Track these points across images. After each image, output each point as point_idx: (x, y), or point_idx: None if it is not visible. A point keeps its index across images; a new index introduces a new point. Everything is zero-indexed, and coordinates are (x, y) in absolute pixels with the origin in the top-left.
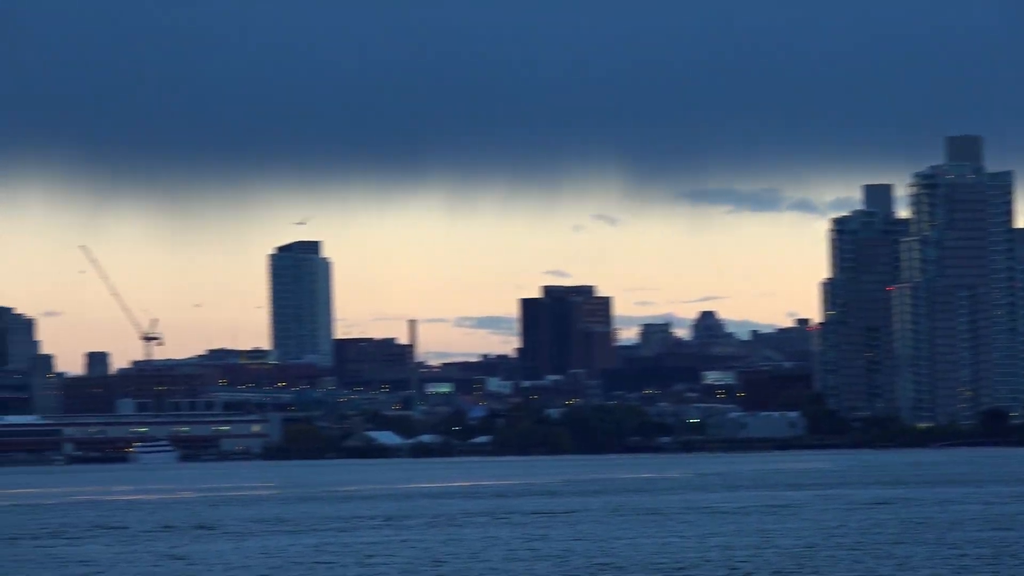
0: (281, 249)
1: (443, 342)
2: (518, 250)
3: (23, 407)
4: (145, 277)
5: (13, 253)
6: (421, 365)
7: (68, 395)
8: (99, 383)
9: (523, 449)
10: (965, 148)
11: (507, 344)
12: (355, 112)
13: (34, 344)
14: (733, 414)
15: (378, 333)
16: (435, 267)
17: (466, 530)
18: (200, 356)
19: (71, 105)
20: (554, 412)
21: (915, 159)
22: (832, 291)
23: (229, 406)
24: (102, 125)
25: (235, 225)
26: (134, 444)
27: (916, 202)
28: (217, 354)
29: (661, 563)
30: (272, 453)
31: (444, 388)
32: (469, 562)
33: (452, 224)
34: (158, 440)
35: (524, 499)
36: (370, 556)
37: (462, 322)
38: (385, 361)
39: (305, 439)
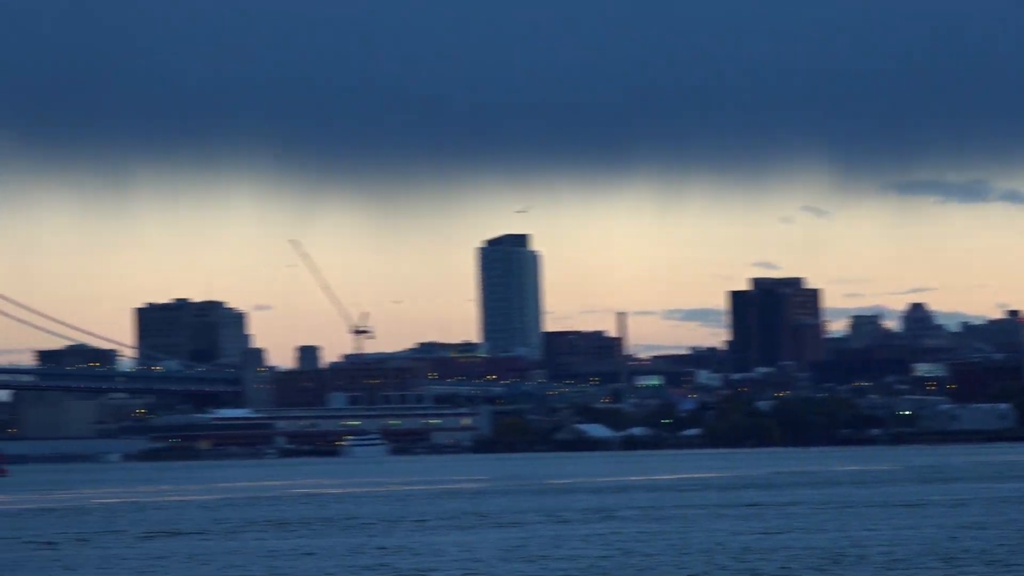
0: (491, 242)
1: (652, 335)
2: (726, 242)
3: (236, 401)
4: (355, 270)
5: (224, 248)
6: (630, 358)
7: (280, 389)
8: (310, 377)
9: (733, 442)
10: None
11: (716, 336)
12: (560, 105)
13: (246, 338)
14: (944, 406)
15: (587, 326)
16: (643, 260)
17: (676, 523)
18: (410, 349)
19: (280, 100)
20: (764, 404)
21: None
22: None
23: (439, 399)
24: (311, 119)
25: (444, 218)
26: (345, 437)
27: None
28: (427, 347)
29: (872, 555)
30: (482, 446)
31: (654, 381)
32: (679, 556)
33: (660, 216)
34: (369, 433)
35: (735, 491)
36: (580, 547)
37: (671, 315)
38: (594, 354)
39: (515, 432)
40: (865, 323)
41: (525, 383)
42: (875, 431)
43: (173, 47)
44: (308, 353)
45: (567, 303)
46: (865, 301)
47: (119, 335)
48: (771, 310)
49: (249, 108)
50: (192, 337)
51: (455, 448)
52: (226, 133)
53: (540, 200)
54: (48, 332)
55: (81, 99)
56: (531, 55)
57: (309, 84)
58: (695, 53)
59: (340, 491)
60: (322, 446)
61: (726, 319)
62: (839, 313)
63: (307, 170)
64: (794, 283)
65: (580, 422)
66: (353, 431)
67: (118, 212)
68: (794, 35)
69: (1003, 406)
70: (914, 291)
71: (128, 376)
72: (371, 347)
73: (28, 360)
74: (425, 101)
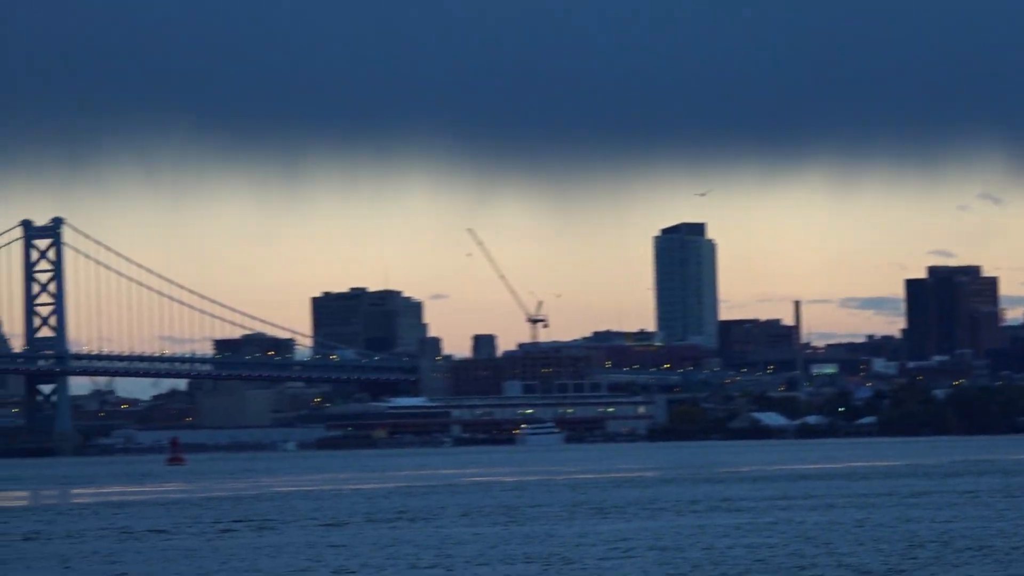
0: (666, 231)
1: (828, 323)
2: (902, 230)
3: (411, 389)
4: (530, 259)
5: (400, 237)
6: (806, 346)
7: (455, 377)
8: (486, 365)
9: (909, 430)
10: None
11: (892, 325)
12: (736, 94)
13: (422, 327)
14: None
15: (762, 314)
16: (818, 248)
17: (849, 511)
18: (585, 338)
19: (454, 89)
20: (940, 393)
21: None
22: None
23: (614, 388)
24: (485, 108)
25: (620, 206)
26: (520, 426)
27: None
28: (602, 336)
29: None
30: (657, 434)
31: (829, 369)
32: (854, 544)
33: (836, 204)
34: (544, 422)
35: (911, 480)
36: (755, 536)
37: (847, 303)
38: (770, 342)
39: (690, 420)
40: None
41: (700, 371)
42: None
43: (348, 37)
44: (484, 342)
45: (742, 292)
46: None
47: (296, 324)
48: (947, 298)
49: (424, 97)
50: (368, 326)
51: (630, 436)
52: (401, 122)
53: (716, 189)
54: (226, 321)
55: (256, 90)
56: (705, 41)
57: (484, 73)
58: (863, 41)
59: (515, 479)
60: (497, 434)
61: (902, 307)
62: (1016, 301)
63: (482, 159)
64: (971, 271)
65: (755, 410)
66: (528, 419)
67: (294, 202)
68: (967, 19)
69: None
70: None
71: (304, 365)
72: (546, 336)
73: (206, 349)
74: (600, 88)
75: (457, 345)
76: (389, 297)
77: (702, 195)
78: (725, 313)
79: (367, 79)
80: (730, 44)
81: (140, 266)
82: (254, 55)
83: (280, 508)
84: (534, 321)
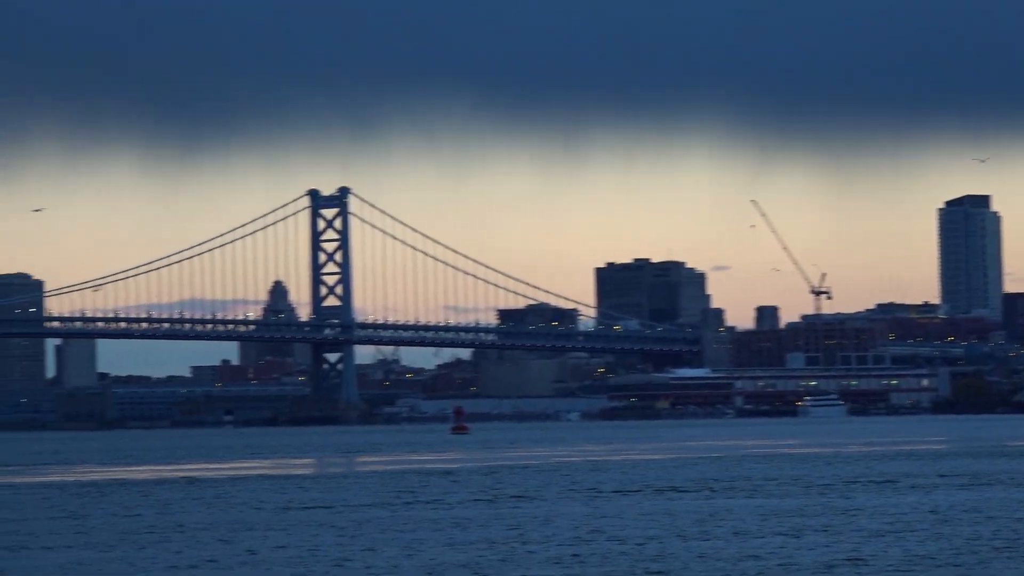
0: (950, 203)
1: None
2: None
3: (694, 360)
4: (813, 230)
5: (682, 208)
6: None
7: (737, 348)
8: (768, 337)
9: None
10: None
11: None
12: (1019, 62)
13: (705, 298)
14: None
15: None
16: None
17: None
18: (869, 310)
19: (734, 59)
20: None
21: None
22: None
23: (898, 360)
24: (766, 79)
25: (903, 178)
26: (803, 398)
27: None
28: (886, 308)
29: None
30: (941, 407)
31: None
32: None
33: None
34: (827, 394)
35: None
36: None
37: None
38: None
39: (974, 393)
40: None
41: (985, 344)
42: None
43: (628, 9)
44: (767, 313)
45: None
46: None
47: (579, 295)
48: None
49: (705, 67)
50: (651, 297)
51: (914, 409)
52: (682, 93)
53: (999, 159)
54: (509, 291)
55: (538, 60)
56: (984, 7)
57: (765, 44)
58: None
59: (799, 451)
60: (780, 406)
61: None
62: None
63: (763, 130)
64: None
65: None
66: (811, 391)
67: (575, 172)
68: None
69: None
70: None
71: (588, 335)
72: (829, 308)
73: (489, 319)
74: (881, 58)
75: (740, 316)
76: (672, 268)
77: (983, 161)
78: (1010, 286)
79: (647, 49)
80: (1010, 9)
81: (424, 236)
82: (533, 26)
83: (553, 478)
84: (817, 293)
